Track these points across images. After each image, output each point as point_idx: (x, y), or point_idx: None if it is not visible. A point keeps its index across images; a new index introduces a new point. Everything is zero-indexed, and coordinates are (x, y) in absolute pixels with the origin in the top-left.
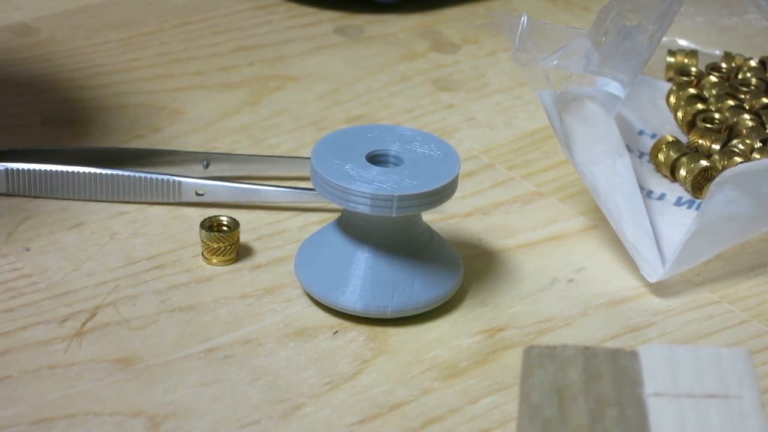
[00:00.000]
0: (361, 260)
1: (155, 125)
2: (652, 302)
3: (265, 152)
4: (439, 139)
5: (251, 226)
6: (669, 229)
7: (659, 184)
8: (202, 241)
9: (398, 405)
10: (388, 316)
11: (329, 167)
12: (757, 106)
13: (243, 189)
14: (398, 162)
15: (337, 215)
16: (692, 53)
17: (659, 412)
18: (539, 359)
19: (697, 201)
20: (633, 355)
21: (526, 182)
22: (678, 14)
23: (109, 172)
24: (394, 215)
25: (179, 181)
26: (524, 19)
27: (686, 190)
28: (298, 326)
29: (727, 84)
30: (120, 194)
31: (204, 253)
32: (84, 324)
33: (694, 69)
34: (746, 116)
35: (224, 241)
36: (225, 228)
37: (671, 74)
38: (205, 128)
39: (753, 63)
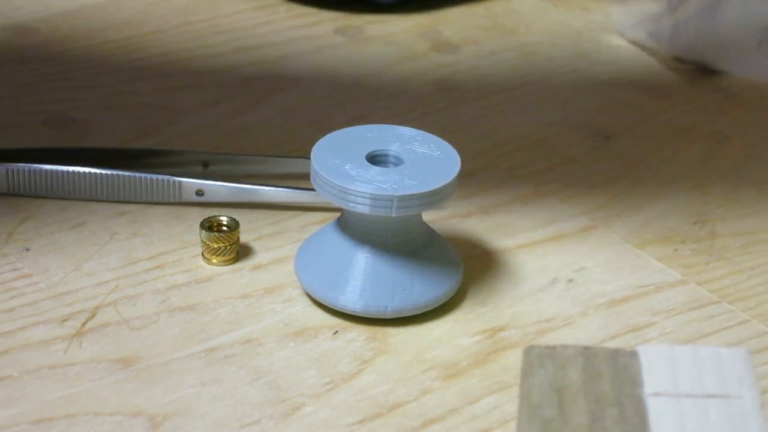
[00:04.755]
0: (361, 260)
1: (155, 125)
2: (652, 302)
3: (265, 152)
4: (439, 139)
5: (251, 226)
6: None
7: None
8: (202, 241)
9: (398, 405)
10: (388, 316)
11: (329, 167)
12: None
13: (243, 189)
14: (398, 162)
15: (337, 215)
16: None
17: (659, 412)
18: (539, 359)
19: None
20: (633, 355)
21: (526, 182)
22: None
23: (109, 172)
24: (394, 215)
25: (179, 181)
26: None
27: None
28: (298, 326)
29: None
30: (120, 194)
31: (204, 253)
32: (84, 324)
33: None
34: None
35: (224, 241)
36: (225, 228)
37: None
38: (205, 128)
39: None
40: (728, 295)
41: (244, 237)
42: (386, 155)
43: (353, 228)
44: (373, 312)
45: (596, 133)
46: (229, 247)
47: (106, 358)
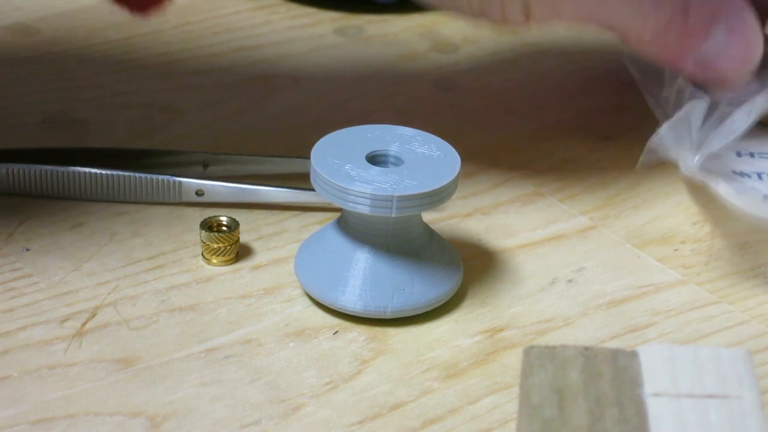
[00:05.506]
0: (361, 260)
1: (155, 125)
2: (652, 302)
3: (265, 152)
4: (439, 140)
5: (251, 226)
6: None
7: None
8: (202, 241)
9: (398, 405)
10: (388, 316)
11: (329, 167)
12: None
13: (243, 189)
14: (398, 162)
15: (337, 215)
16: None
17: (659, 412)
18: (539, 359)
19: None
20: (633, 355)
21: (526, 182)
22: None
23: (109, 172)
24: (393, 215)
25: (179, 181)
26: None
27: None
28: (298, 326)
29: None
30: (120, 194)
31: (204, 253)
32: (84, 324)
33: None
34: None
35: (224, 241)
36: (225, 228)
37: None
38: (205, 128)
39: None
40: (728, 295)
41: (244, 237)
42: (386, 155)
43: (353, 228)
44: (372, 312)
45: (596, 133)
46: (229, 247)
47: (106, 358)
